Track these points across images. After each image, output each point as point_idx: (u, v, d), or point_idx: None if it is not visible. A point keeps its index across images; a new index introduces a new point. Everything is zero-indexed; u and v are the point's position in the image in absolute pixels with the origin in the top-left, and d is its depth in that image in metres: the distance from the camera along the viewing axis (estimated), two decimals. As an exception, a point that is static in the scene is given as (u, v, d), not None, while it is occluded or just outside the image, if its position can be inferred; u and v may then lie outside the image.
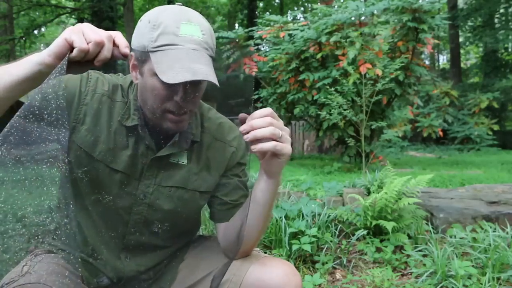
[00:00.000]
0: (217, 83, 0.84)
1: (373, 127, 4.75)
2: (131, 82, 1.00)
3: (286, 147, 0.84)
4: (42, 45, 18.57)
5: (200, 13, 0.95)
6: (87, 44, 0.71)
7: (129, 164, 0.96)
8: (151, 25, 0.86)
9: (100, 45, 0.71)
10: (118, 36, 0.75)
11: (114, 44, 0.76)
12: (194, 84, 0.87)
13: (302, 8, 21.98)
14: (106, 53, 0.72)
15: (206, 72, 0.82)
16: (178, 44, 0.84)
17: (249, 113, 0.83)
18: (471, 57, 24.84)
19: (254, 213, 0.96)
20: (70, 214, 1.02)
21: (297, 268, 2.13)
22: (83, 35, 0.71)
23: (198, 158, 1.02)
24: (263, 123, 0.81)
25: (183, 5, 0.92)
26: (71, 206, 1.01)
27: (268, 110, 0.82)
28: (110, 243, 1.01)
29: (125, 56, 0.75)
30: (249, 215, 0.97)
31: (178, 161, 1.00)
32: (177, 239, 1.09)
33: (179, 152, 0.99)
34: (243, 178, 1.07)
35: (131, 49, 0.90)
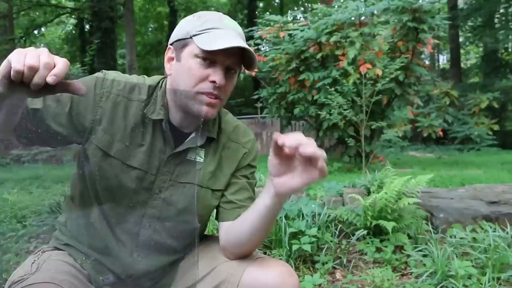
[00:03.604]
0: (255, 58, 0.94)
1: (373, 127, 4.75)
2: (160, 81, 1.04)
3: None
4: (42, 45, 18.57)
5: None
6: (23, 66, 0.68)
7: (146, 160, 0.98)
8: (196, 17, 0.96)
9: (33, 70, 0.68)
10: (59, 65, 0.69)
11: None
12: (229, 69, 0.95)
13: (302, 8, 21.99)
14: (36, 79, 0.68)
15: (245, 46, 0.91)
16: (222, 28, 0.94)
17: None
18: (471, 57, 24.79)
19: (254, 225, 0.97)
20: (85, 210, 1.03)
21: (297, 268, 2.13)
22: (25, 57, 0.68)
23: (214, 157, 1.05)
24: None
25: None
26: (86, 202, 1.02)
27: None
28: (124, 240, 1.01)
29: (49, 83, 0.69)
30: (249, 226, 0.97)
31: (195, 158, 1.02)
32: (187, 240, 1.08)
33: (196, 150, 1.02)
34: (251, 181, 1.10)
35: (168, 44, 0.99)
